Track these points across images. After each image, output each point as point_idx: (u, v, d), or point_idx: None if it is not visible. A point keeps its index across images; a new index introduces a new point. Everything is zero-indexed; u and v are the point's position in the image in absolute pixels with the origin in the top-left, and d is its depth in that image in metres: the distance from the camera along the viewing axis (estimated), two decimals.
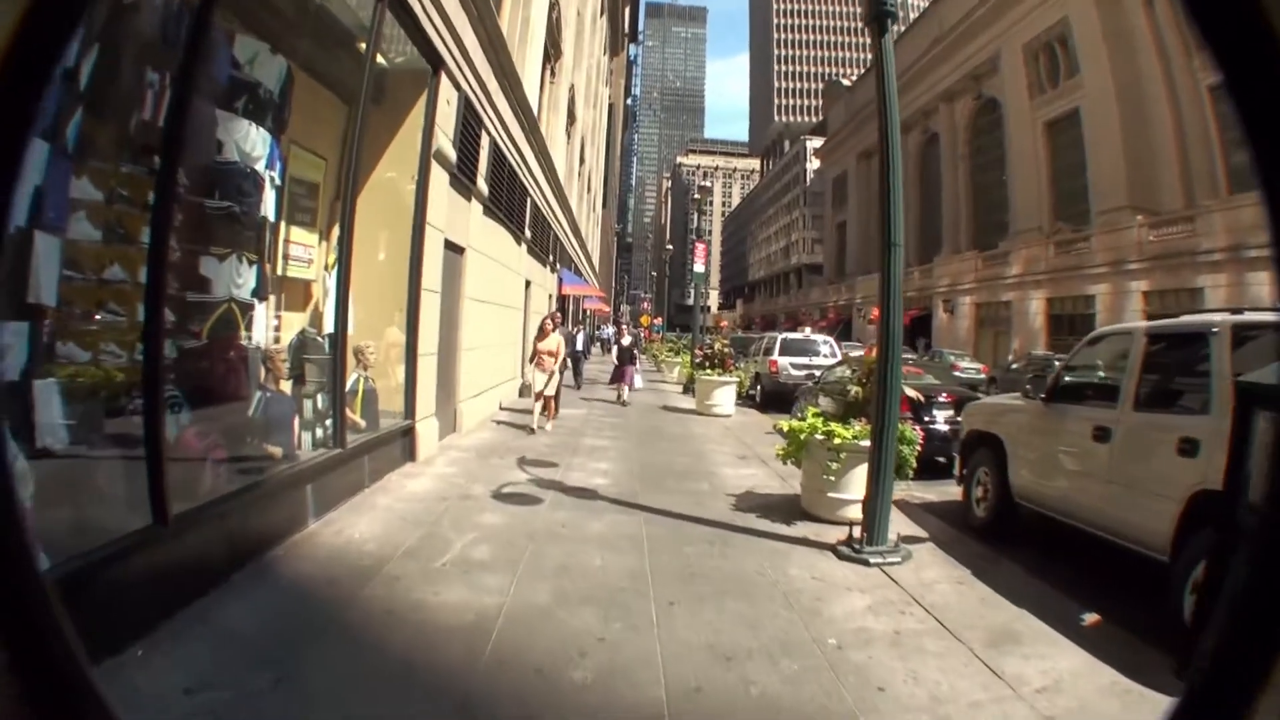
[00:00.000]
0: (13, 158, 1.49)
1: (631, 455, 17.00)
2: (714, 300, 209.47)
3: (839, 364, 22.01)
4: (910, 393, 13.77)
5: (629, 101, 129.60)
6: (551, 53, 30.52)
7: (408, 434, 13.79)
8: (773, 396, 29.61)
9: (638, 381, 28.02)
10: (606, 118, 75.68)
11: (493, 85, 18.26)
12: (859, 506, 10.41)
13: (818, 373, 26.66)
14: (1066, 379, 10.77)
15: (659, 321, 79.38)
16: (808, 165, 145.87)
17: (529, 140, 24.69)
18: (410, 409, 13.88)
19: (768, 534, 10.80)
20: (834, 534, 10.53)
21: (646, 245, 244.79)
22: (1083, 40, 58.91)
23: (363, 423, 12.09)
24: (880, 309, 10.86)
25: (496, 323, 21.87)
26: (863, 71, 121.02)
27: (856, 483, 11.13)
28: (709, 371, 26.82)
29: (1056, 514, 10.31)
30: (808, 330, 38.24)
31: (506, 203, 21.70)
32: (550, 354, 19.29)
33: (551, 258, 34.65)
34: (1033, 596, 8.43)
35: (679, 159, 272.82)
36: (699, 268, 39.03)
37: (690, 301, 52.29)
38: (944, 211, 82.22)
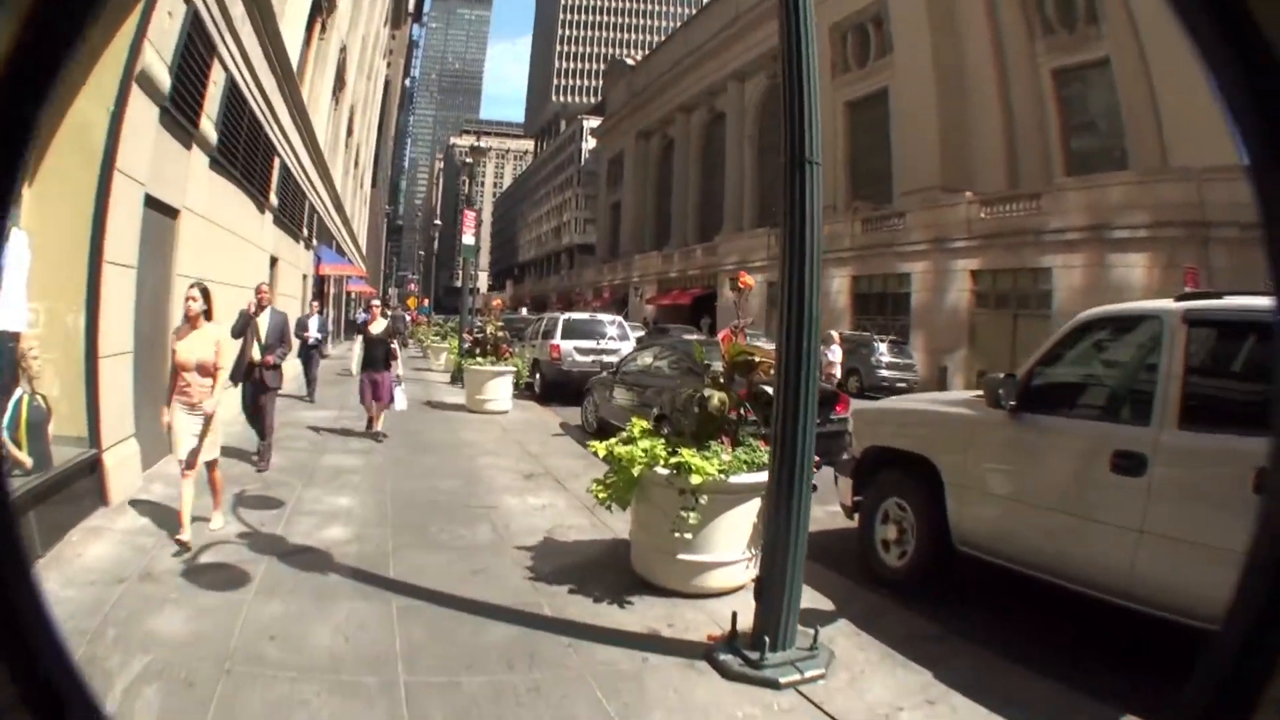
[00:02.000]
0: (12, 165, 1.49)
1: (384, 481, 13.02)
2: (484, 282, 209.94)
3: (645, 349, 20.37)
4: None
5: (407, 82, 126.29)
6: (325, 4, 27.74)
7: (94, 469, 9.60)
8: (555, 387, 26.41)
9: (400, 400, 17.23)
10: (382, 94, 71.33)
11: (238, 11, 14.83)
12: (728, 571, 8.19)
13: (607, 358, 25.37)
14: (1047, 380, 7.96)
15: (426, 303, 75.04)
16: (583, 145, 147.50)
17: (283, 91, 21.19)
18: (94, 434, 9.56)
19: (595, 630, 7.23)
20: (696, 619, 7.55)
21: (416, 226, 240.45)
22: (901, 21, 57.63)
23: (28, 461, 8.24)
24: (785, 264, 6.96)
25: (229, 309, 17.40)
26: (647, 53, 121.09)
27: (724, 538, 8.17)
28: (480, 359, 22.99)
29: (1046, 574, 7.50)
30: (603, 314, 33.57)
31: (246, 159, 17.56)
32: (205, 370, 9.18)
33: (307, 233, 30.38)
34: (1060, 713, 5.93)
35: (453, 140, 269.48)
36: (469, 239, 34.08)
37: (459, 282, 46.75)
38: (728, 191, 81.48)
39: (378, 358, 16.91)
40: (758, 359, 8.98)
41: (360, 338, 17.88)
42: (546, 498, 12.34)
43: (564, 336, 27.28)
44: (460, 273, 47.63)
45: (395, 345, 17.35)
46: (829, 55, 63.55)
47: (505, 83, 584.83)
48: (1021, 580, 7.75)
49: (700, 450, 8.18)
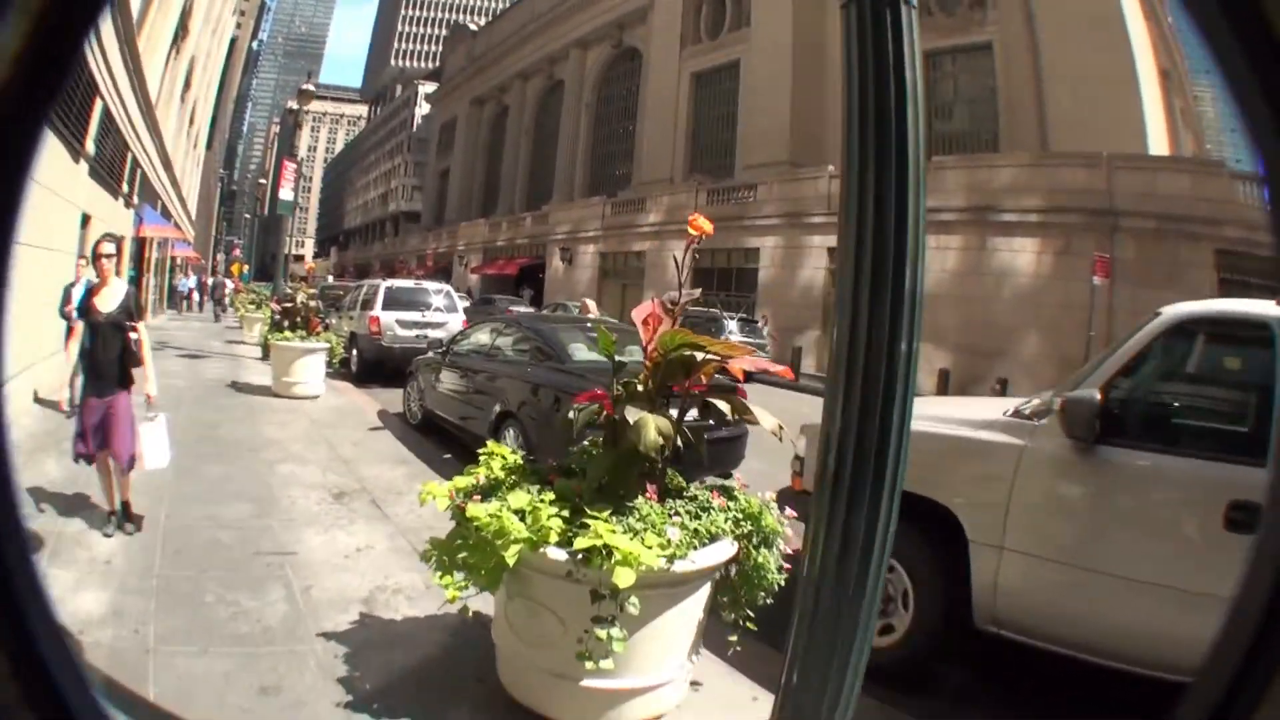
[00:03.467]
0: (23, 162, 1.46)
1: (160, 503, 9.12)
2: (309, 250, 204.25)
3: (481, 326, 16.32)
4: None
5: (255, 44, 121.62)
6: None
7: None
8: (373, 366, 23.27)
9: (156, 450, 8.82)
10: (227, 51, 66.94)
11: None
12: (657, 696, 5.06)
13: (433, 333, 22.95)
14: (1128, 399, 5.63)
15: (247, 269, 71.23)
16: (417, 111, 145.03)
17: (115, 24, 18.65)
18: None
19: None
20: None
21: (248, 191, 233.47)
22: None
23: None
24: (851, 183, 3.45)
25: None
26: (490, 19, 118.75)
27: (658, 650, 4.99)
28: (288, 334, 18.94)
29: (1134, 665, 5.18)
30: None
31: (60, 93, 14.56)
32: None
33: (128, 189, 26.69)
34: None
35: (290, 103, 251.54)
36: (286, 194, 30.59)
37: (288, 253, 41.91)
38: (559, 160, 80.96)
39: (106, 365, 8.50)
40: (708, 355, 5.45)
41: (81, 325, 8.54)
42: (362, 535, 8.92)
43: (385, 307, 23.75)
44: (274, 257, 42.45)
45: (137, 336, 8.70)
46: (679, 27, 65.20)
47: (349, 48, 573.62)
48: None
49: (618, 514, 4.91)
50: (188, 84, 41.31)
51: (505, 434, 11.98)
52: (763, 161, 52.76)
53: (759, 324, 38.29)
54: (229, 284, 61.82)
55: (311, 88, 26.99)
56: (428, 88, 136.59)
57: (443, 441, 14.87)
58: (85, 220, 19.36)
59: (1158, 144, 38.89)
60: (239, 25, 71.53)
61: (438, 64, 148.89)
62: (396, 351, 22.42)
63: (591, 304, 21.07)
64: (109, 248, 8.50)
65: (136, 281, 34.05)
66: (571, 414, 6.16)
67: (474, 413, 13.61)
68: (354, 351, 24.12)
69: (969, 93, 46.46)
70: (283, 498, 10.25)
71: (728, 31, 61.05)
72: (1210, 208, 29.35)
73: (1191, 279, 28.29)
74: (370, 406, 18.32)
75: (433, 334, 22.69)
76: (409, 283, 27.17)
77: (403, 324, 23.46)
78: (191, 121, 50.91)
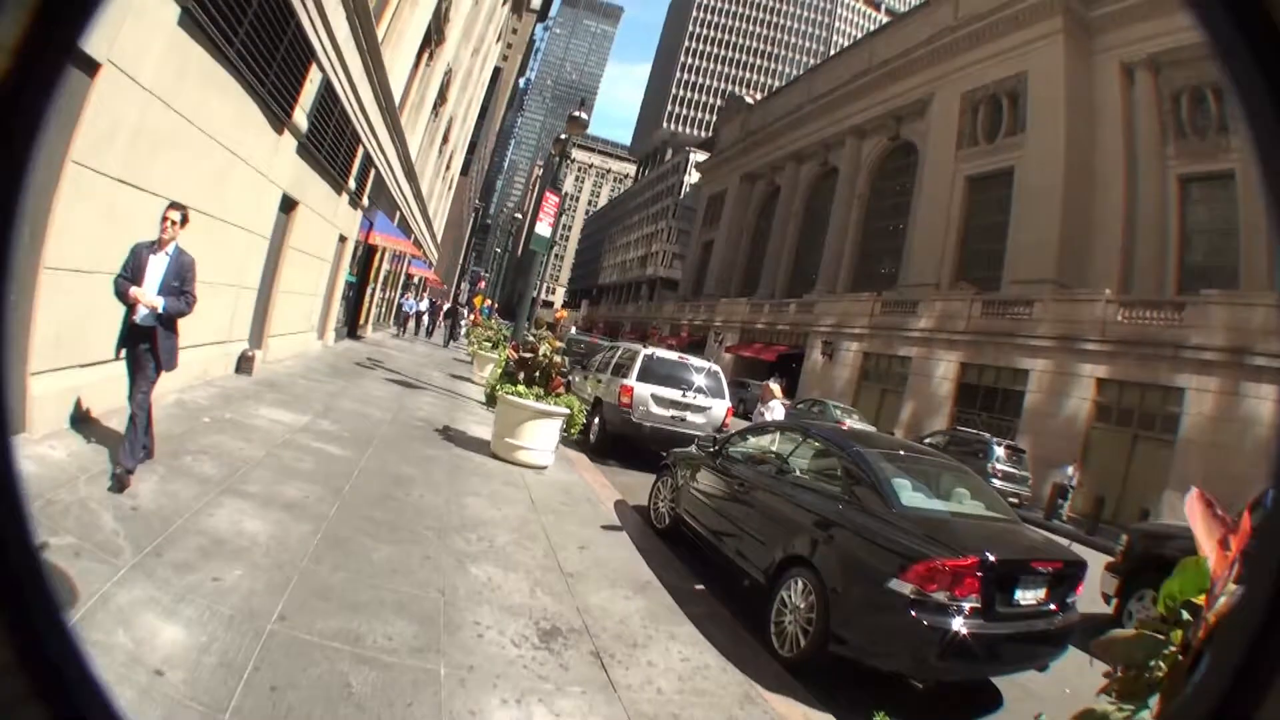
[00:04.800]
0: (23, 156, 1.43)
1: (273, 599, 6.28)
2: (559, 297, 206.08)
3: (768, 428, 13.42)
4: None
5: (522, 81, 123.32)
6: None
7: None
8: (617, 441, 20.02)
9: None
10: (490, 76, 66.64)
11: None
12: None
13: (692, 417, 19.91)
14: None
15: (489, 304, 69.70)
16: (686, 178, 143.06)
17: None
18: None
19: None
20: None
21: (500, 225, 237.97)
22: (1039, 100, 54.52)
23: None
24: None
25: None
26: (766, 95, 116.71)
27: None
28: (522, 389, 15.47)
29: None
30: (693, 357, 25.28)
31: (253, 38, 12.08)
32: None
33: (356, 186, 24.58)
34: None
35: (559, 135, 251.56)
36: (543, 229, 25.78)
37: (536, 296, 38.56)
38: (827, 249, 76.94)
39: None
40: None
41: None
42: (573, 716, 5.86)
43: (641, 378, 20.05)
44: (521, 295, 36.55)
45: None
46: (956, 125, 62.67)
47: (618, 104, 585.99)
48: None
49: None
50: (443, 96, 39.63)
51: (789, 584, 8.91)
52: (1027, 277, 50.03)
53: (1024, 454, 34.44)
54: (466, 313, 60.28)
55: (584, 116, 23.85)
56: (699, 156, 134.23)
57: (694, 559, 11.54)
58: (290, 204, 17.11)
59: None
60: (505, 58, 71.37)
61: (710, 133, 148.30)
62: (646, 430, 19.57)
63: (776, 388, 17.87)
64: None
65: (358, 290, 32.02)
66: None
67: (746, 541, 10.36)
68: (595, 420, 20.85)
69: (1214, 223, 43.56)
70: (466, 622, 6.89)
71: (1003, 136, 58.32)
72: None
73: None
74: (606, 492, 14.82)
75: (691, 418, 19.93)
76: (672, 355, 22.44)
77: (659, 400, 20.02)
78: (446, 139, 49.37)
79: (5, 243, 1.40)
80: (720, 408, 20.54)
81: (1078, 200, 49.61)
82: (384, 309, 42.24)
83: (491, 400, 17.04)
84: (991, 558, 7.80)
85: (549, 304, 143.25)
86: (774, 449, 11.77)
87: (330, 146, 19.47)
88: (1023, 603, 8.32)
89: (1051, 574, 8.72)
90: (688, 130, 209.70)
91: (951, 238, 60.80)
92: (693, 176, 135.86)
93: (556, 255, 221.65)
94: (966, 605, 7.59)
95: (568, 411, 15.65)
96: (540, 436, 15.21)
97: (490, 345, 29.93)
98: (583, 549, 10.27)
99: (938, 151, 64.12)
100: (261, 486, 9.19)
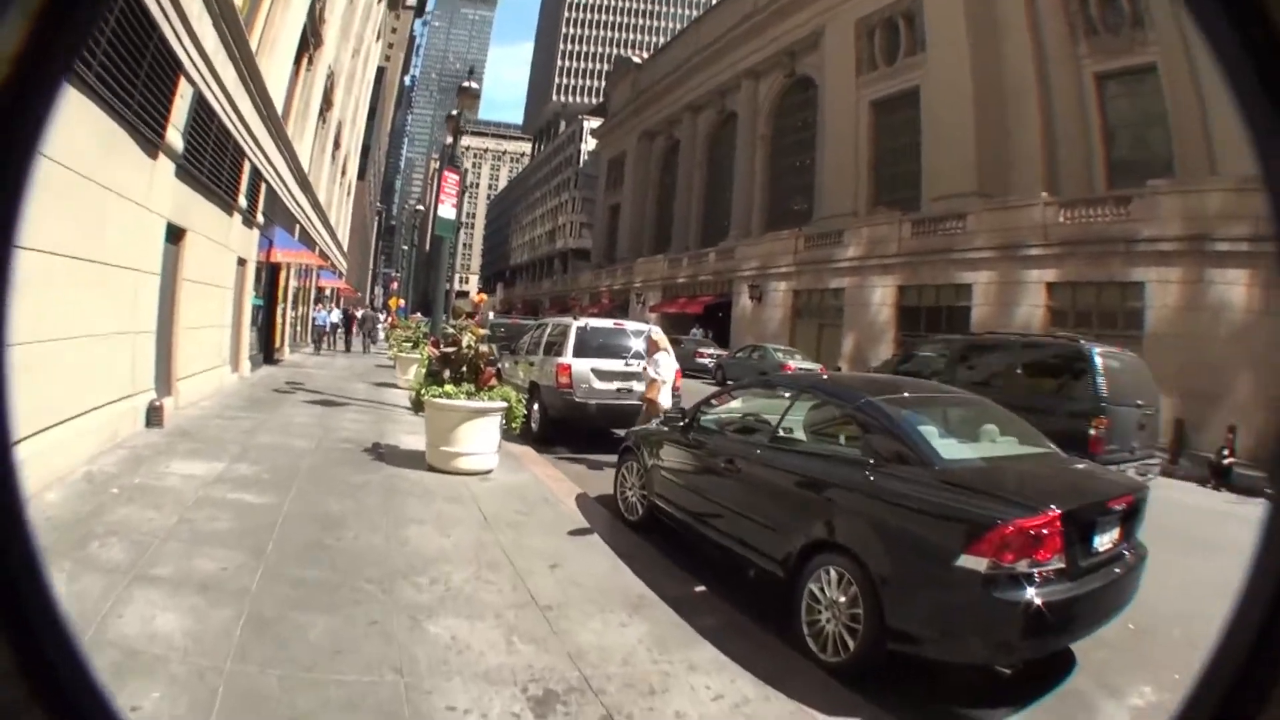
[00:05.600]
0: (23, 164, 1.45)
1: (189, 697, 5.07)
2: (473, 286, 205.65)
3: (747, 385, 12.44)
4: None
5: (407, 80, 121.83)
6: None
7: None
8: (562, 426, 18.33)
9: None
10: (374, 77, 65.23)
11: None
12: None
13: (638, 386, 17.64)
14: None
15: (403, 304, 67.99)
16: (583, 146, 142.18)
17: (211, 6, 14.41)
18: None
19: None
20: None
21: (405, 224, 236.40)
22: (935, 17, 53.62)
23: None
24: None
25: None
26: (654, 52, 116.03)
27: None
28: (450, 388, 13.69)
29: None
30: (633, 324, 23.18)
31: (116, 58, 10.61)
32: None
33: (247, 204, 22.33)
34: None
35: (449, 139, 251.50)
36: (447, 211, 24.35)
37: (450, 285, 35.67)
38: (736, 195, 75.80)
39: None
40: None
41: None
42: None
43: (577, 353, 18.39)
44: (433, 285, 32.17)
45: None
46: (854, 52, 61.75)
47: (506, 86, 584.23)
48: None
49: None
50: (328, 101, 38.02)
51: (818, 575, 7.41)
52: (947, 193, 48.90)
53: None
54: (382, 317, 58.82)
55: (474, 85, 22.34)
56: (593, 123, 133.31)
57: (682, 552, 9.96)
58: (175, 234, 15.63)
59: None
60: (387, 57, 69.88)
61: (601, 99, 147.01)
62: (592, 409, 18.04)
63: (661, 338, 17.03)
64: None
65: (268, 312, 30.40)
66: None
67: (747, 525, 8.70)
68: (534, 407, 18.89)
69: (1139, 116, 43.79)
70: (437, 710, 5.33)
71: (904, 57, 57.46)
72: None
73: None
74: (562, 487, 13.19)
75: (638, 387, 17.76)
76: (606, 323, 20.75)
77: (601, 374, 18.36)
78: (337, 145, 47.93)
79: (6, 252, 1.40)
80: (668, 370, 17.67)
81: (990, 110, 48.95)
82: (299, 327, 40.33)
83: (419, 406, 14.92)
84: (1071, 507, 6.61)
85: (463, 294, 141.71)
86: (759, 413, 10.23)
87: (212, 165, 17.45)
88: (1101, 550, 7.12)
89: (1124, 510, 7.53)
90: (579, 99, 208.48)
91: (863, 165, 59.97)
92: (590, 144, 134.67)
93: (465, 244, 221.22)
94: (1050, 569, 6.34)
95: (504, 405, 13.88)
96: (478, 438, 13.49)
97: (411, 345, 28.39)
98: (555, 568, 8.63)
99: (837, 81, 63.26)
100: (173, 565, 7.54)
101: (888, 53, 59.03)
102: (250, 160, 21.51)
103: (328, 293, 52.63)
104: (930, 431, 7.81)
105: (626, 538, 10.53)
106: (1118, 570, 7.29)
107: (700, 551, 9.85)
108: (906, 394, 9.24)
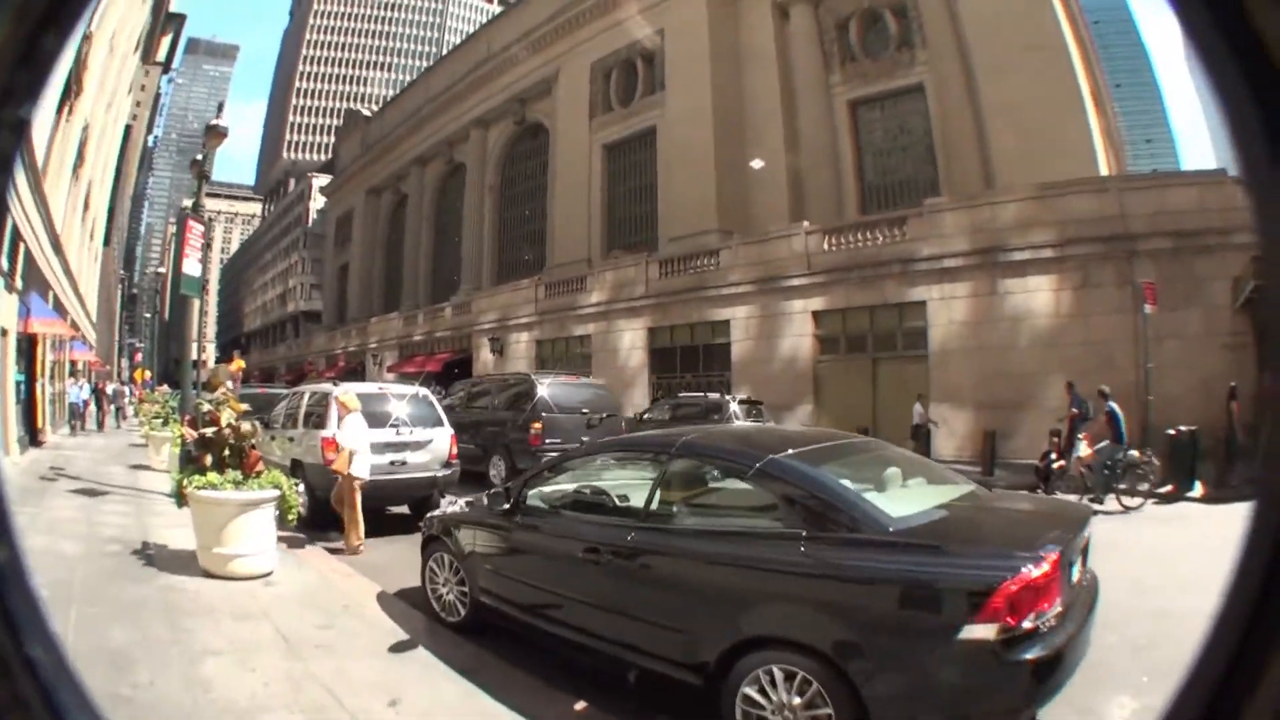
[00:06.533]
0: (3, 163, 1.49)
1: None
2: (211, 354, 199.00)
3: (612, 455, 9.88)
4: None
5: (150, 140, 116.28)
6: None
7: None
8: (328, 509, 14.64)
9: None
10: (122, 133, 61.28)
11: None
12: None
13: (411, 456, 16.37)
14: None
15: (150, 376, 64.03)
16: (311, 205, 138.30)
17: None
18: None
19: None
20: None
21: (144, 299, 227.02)
22: (677, 55, 54.06)
23: None
24: None
25: None
26: (383, 105, 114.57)
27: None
28: (213, 477, 11.42)
29: None
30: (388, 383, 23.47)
31: None
32: None
33: (8, 265, 20.57)
34: None
35: (185, 202, 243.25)
36: (192, 266, 20.51)
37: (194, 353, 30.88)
38: (465, 247, 75.67)
39: None
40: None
41: None
42: None
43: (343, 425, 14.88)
44: (181, 350, 31.01)
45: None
46: (587, 95, 61.91)
47: (238, 144, 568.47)
48: None
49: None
50: (81, 157, 34.90)
51: (756, 677, 6.08)
52: (688, 232, 49.12)
53: (762, 405, 30.79)
54: (128, 390, 56.11)
55: (221, 124, 20.24)
56: (321, 180, 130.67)
57: (533, 659, 8.17)
58: None
59: (1104, 165, 39.47)
60: (134, 116, 66.20)
61: (332, 154, 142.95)
62: (365, 486, 14.40)
63: (351, 397, 14.75)
64: None
65: (28, 388, 28.12)
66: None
67: (640, 629, 7.04)
68: (300, 486, 15.43)
69: (898, 138, 45.48)
70: None
71: (640, 98, 57.78)
72: (1219, 218, 26.47)
73: (1210, 293, 26.74)
74: (354, 585, 11.28)
75: (412, 458, 16.31)
76: (369, 386, 19.14)
77: (370, 447, 14.89)
78: (87, 206, 44.34)
79: None
80: (442, 437, 17.16)
81: (732, 146, 49.18)
82: (57, 405, 37.18)
83: (180, 499, 11.89)
84: (1062, 546, 5.88)
85: (197, 363, 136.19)
86: (614, 487, 8.81)
87: None
88: (1076, 583, 6.44)
89: (1087, 539, 6.93)
90: (310, 156, 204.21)
91: (596, 209, 60.16)
92: (319, 202, 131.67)
93: (201, 311, 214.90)
94: (1053, 615, 5.59)
95: (277, 492, 11.81)
96: (254, 535, 11.45)
97: (161, 422, 25.28)
98: (395, 704, 6.92)
99: (569, 126, 63.34)
100: None
101: (623, 94, 59.18)
102: (11, 215, 19.35)
103: (80, 366, 49.39)
104: (859, 488, 6.77)
105: (459, 647, 8.72)
106: (1088, 597, 6.67)
107: (556, 654, 8.19)
108: (807, 447, 7.68)
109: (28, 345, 27.02)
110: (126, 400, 52.72)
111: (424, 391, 18.35)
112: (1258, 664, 1.24)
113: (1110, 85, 47.17)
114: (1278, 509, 1.31)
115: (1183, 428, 22.01)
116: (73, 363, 45.45)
